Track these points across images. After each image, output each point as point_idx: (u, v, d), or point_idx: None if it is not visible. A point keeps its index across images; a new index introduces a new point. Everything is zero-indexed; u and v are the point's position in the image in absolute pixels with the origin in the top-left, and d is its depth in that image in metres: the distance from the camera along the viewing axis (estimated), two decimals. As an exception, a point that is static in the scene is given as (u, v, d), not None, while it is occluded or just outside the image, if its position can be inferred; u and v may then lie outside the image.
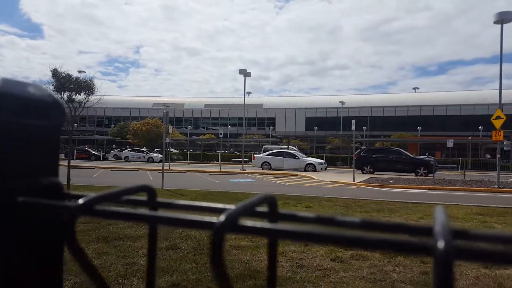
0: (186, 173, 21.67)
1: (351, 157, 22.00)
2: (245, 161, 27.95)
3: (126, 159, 36.79)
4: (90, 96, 9.52)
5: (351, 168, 19.99)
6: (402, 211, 8.80)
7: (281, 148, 31.75)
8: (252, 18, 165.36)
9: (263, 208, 0.38)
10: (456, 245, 0.26)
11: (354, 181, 17.02)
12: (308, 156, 29.54)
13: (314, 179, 19.15)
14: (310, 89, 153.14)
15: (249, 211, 0.36)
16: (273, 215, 0.38)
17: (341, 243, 0.30)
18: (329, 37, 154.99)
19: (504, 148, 38.15)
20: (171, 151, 36.40)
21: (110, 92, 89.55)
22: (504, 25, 15.58)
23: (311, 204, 9.52)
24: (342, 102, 55.51)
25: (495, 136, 15.11)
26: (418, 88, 69.82)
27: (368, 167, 23.62)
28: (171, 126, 28.03)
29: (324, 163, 26.47)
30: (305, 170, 24.87)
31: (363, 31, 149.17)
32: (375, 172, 23.33)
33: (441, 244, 0.26)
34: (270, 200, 0.39)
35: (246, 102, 29.29)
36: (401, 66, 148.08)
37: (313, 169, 24.88)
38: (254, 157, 27.39)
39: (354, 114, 59.34)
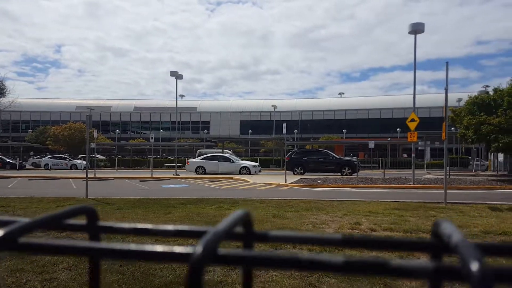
0: (114, 181, 20.60)
1: (284, 159, 22.69)
2: (178, 166, 27.36)
3: (46, 167, 33.90)
4: (0, 99, 8.60)
5: (284, 170, 20.61)
6: (328, 208, 9.29)
7: (216, 152, 31.64)
8: (183, 19, 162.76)
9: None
10: (210, 250, 0.27)
11: (286, 182, 17.55)
12: (242, 160, 29.78)
13: (248, 181, 19.39)
14: (244, 93, 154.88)
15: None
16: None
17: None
18: (261, 42, 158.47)
19: (419, 148, 42.21)
20: (97, 157, 34.33)
21: (27, 95, 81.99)
22: (418, 35, 17.27)
23: (245, 207, 9.63)
24: (274, 106, 57.08)
25: (410, 137, 16.61)
26: (343, 93, 74.25)
27: (299, 169, 24.52)
28: (97, 131, 26.45)
29: (258, 165, 26.94)
30: (240, 173, 25.07)
31: (293, 37, 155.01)
32: (306, 173, 24.30)
33: (198, 249, 0.28)
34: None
35: (179, 105, 28.75)
36: (328, 72, 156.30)
37: (248, 172, 25.18)
38: (188, 162, 26.94)
39: (286, 118, 61.25)
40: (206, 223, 7.33)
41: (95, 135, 25.57)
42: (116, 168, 34.30)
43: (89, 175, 12.45)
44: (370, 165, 34.09)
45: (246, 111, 68.19)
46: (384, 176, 21.05)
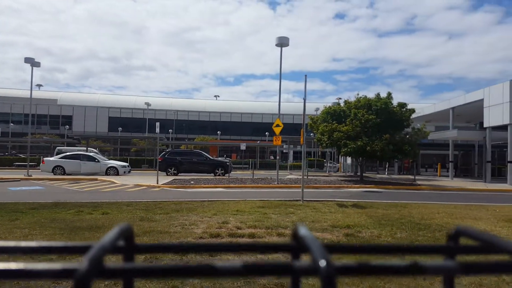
0: None
1: (157, 159, 21.99)
2: (32, 166, 23.95)
3: None
4: None
5: (156, 170, 20.00)
6: (199, 209, 9.42)
7: (78, 150, 28.76)
8: (44, 1, 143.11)
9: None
10: None
11: (158, 183, 17.09)
12: (110, 159, 27.82)
13: (116, 183, 18.21)
14: (114, 88, 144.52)
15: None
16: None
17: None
18: (135, 36, 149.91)
19: (284, 151, 46.06)
20: None
21: None
22: (284, 48, 18.86)
23: (109, 210, 9.03)
24: (148, 104, 54.89)
25: (275, 141, 18.00)
26: (218, 96, 75.96)
27: (173, 169, 24.15)
28: None
29: (128, 166, 25.51)
30: (107, 174, 23.34)
31: (168, 35, 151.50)
32: (179, 174, 24.06)
33: (84, 264, 0.30)
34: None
35: (36, 96, 25.19)
36: (204, 74, 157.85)
37: (116, 173, 23.60)
38: (43, 161, 23.81)
39: (160, 117, 59.55)
40: (61, 230, 6.62)
41: None
42: None
43: None
44: (241, 166, 35.67)
45: (116, 107, 63.88)
46: (253, 176, 22.29)
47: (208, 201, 11.27)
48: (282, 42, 18.29)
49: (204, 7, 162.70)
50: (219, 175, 23.87)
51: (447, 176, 28.87)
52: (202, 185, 17.09)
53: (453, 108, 27.88)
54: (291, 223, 7.80)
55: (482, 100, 23.95)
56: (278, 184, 17.94)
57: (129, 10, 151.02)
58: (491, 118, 23.24)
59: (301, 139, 12.52)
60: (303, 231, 0.35)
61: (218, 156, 38.56)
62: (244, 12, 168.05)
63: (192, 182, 18.21)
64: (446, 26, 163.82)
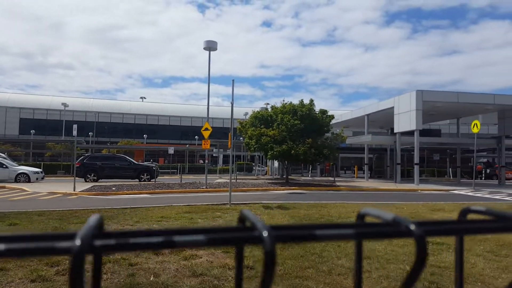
0: None
1: (75, 164, 20.44)
2: None
3: None
4: None
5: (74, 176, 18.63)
6: (120, 217, 8.98)
7: (-18, 155, 25.70)
8: None
9: None
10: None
11: (75, 190, 15.92)
12: (21, 165, 25.32)
13: (27, 191, 16.59)
14: (27, 86, 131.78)
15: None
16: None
17: None
18: (51, 31, 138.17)
19: (213, 155, 45.95)
20: None
21: None
22: (212, 52, 18.87)
23: (18, 221, 8.20)
24: (65, 105, 50.81)
25: (204, 144, 17.90)
26: (145, 98, 73.24)
27: (92, 175, 22.67)
28: None
29: (41, 172, 23.39)
30: (16, 181, 21.18)
31: (89, 32, 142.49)
32: (100, 180, 22.67)
33: (77, 242, 0.36)
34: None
35: None
36: (129, 75, 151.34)
37: (27, 180, 21.51)
38: None
39: (79, 119, 55.74)
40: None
41: None
42: None
43: None
44: (169, 170, 34.76)
45: (29, 108, 58.26)
46: (181, 181, 21.84)
47: (131, 208, 10.79)
48: (210, 46, 18.29)
49: (130, 5, 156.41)
50: (144, 181, 22.97)
51: (363, 177, 31.22)
52: (125, 191, 16.31)
53: (368, 115, 30.26)
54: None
55: (392, 108, 26.37)
56: (206, 188, 17.82)
57: (43, 3, 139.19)
58: (400, 125, 25.69)
59: (229, 143, 12.62)
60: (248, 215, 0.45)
61: (144, 160, 37.16)
62: (172, 13, 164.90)
63: (113, 188, 17.29)
64: (363, 38, 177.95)
